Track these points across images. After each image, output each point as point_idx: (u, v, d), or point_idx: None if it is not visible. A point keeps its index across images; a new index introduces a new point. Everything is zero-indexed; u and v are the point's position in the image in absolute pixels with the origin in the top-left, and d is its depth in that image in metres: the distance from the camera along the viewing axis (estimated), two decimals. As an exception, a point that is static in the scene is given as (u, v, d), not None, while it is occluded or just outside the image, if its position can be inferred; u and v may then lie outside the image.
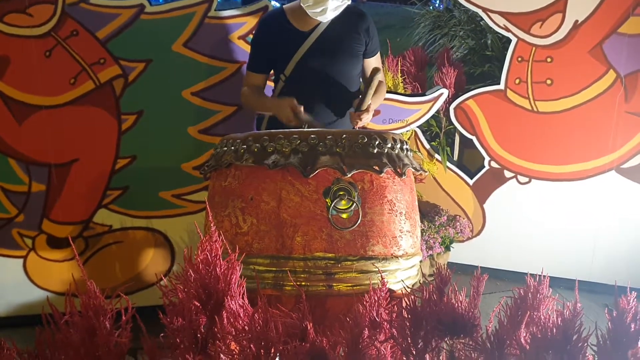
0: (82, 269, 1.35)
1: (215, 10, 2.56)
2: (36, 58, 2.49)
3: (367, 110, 2.15)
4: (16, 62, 2.49)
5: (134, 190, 2.76)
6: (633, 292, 1.23)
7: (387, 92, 2.89)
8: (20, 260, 2.78)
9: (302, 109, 2.07)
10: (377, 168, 1.74)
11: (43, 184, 2.68)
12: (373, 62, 2.36)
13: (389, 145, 1.81)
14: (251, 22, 2.58)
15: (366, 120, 2.18)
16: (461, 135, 3.24)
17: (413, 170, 1.89)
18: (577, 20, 2.78)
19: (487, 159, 3.15)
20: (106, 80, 2.57)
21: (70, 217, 2.74)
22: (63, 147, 2.64)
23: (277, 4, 2.54)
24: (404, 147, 1.88)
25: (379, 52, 2.39)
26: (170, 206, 2.80)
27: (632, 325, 1.20)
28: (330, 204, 1.69)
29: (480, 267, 1.47)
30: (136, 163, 2.71)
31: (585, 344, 1.19)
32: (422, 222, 3.07)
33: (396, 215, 1.78)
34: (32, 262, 2.79)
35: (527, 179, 3.13)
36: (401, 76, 3.16)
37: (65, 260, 2.79)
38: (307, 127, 2.02)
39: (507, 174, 3.16)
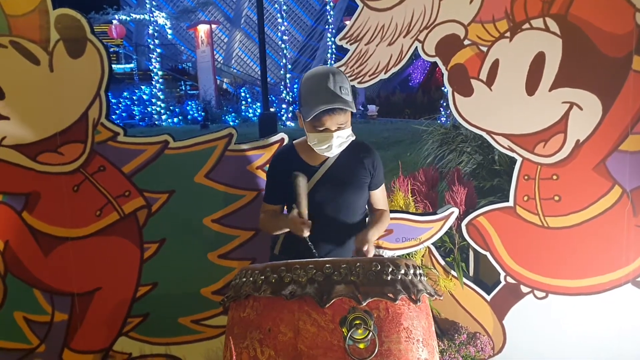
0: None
1: (235, 143, 2.73)
2: (65, 193, 2.64)
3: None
4: (46, 197, 2.65)
5: (154, 317, 2.80)
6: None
7: (399, 211, 2.99)
8: (40, 391, 2.77)
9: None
10: (391, 296, 1.77)
11: (65, 313, 2.74)
12: (378, 193, 2.47)
13: (402, 271, 1.85)
14: (268, 153, 2.74)
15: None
16: (475, 251, 3.27)
17: (428, 295, 1.92)
18: (578, 140, 2.90)
19: (502, 274, 3.16)
20: (130, 211, 2.70)
21: (90, 345, 2.77)
22: (87, 276, 2.72)
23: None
24: (417, 272, 1.93)
25: (383, 184, 2.50)
26: (189, 332, 2.83)
27: None
28: (347, 334, 1.71)
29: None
30: (157, 290, 2.78)
31: None
32: (442, 340, 3.04)
33: (413, 343, 1.80)
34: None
35: (543, 294, 3.12)
36: (412, 196, 3.26)
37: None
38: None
39: (524, 289, 3.15)
